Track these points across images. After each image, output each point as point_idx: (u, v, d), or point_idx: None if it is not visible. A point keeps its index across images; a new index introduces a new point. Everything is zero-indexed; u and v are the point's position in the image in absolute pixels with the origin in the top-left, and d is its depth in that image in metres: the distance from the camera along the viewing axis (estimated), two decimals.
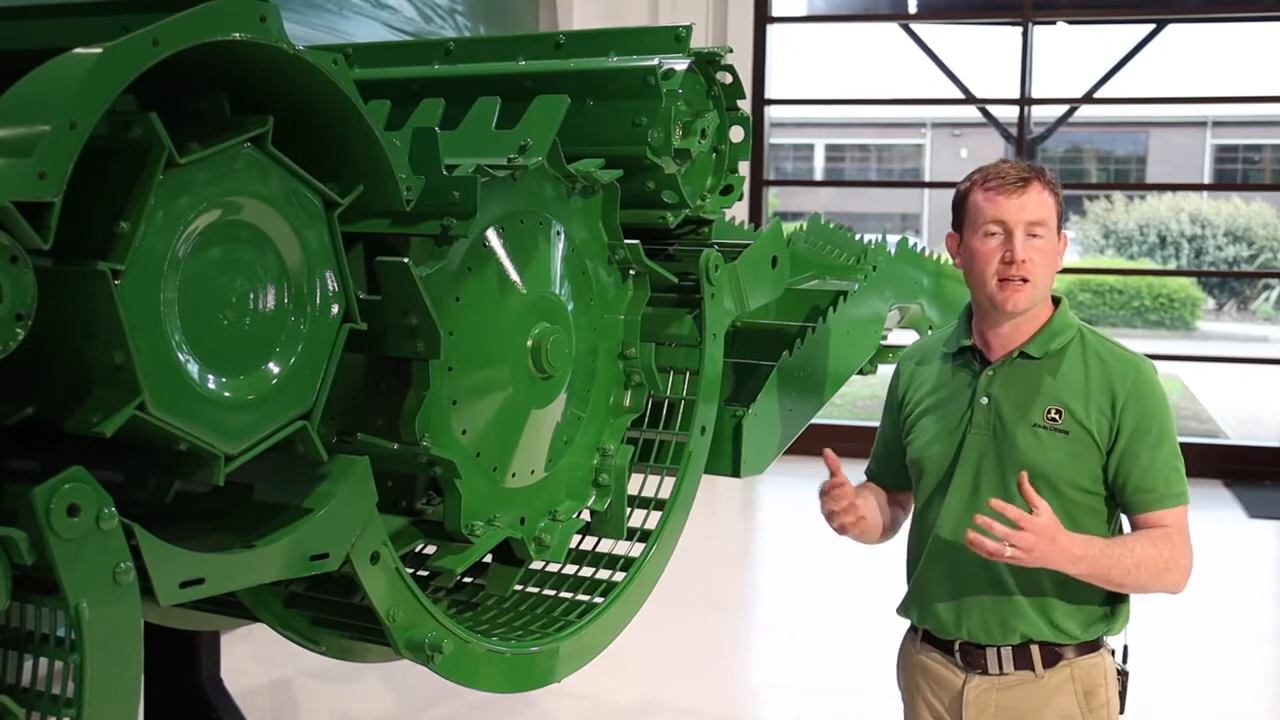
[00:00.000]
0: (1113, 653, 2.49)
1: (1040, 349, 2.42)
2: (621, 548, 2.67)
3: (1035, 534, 2.23)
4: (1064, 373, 2.41)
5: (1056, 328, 2.44)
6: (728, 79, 2.76)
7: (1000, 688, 2.43)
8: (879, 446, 2.72)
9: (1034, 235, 2.36)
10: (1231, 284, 23.37)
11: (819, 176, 28.87)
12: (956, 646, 2.47)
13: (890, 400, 2.67)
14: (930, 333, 3.47)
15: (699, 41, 2.67)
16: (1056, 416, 2.38)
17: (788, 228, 3.23)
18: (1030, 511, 2.25)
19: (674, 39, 2.69)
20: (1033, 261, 2.35)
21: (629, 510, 2.66)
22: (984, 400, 2.44)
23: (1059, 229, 2.41)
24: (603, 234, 2.55)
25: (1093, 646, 2.44)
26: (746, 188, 2.87)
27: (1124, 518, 2.47)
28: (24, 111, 1.50)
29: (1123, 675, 2.49)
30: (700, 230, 2.93)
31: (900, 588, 2.62)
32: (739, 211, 7.56)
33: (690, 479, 2.74)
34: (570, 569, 2.65)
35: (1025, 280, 2.36)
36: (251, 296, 1.79)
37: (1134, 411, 2.37)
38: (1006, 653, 2.42)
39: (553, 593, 2.61)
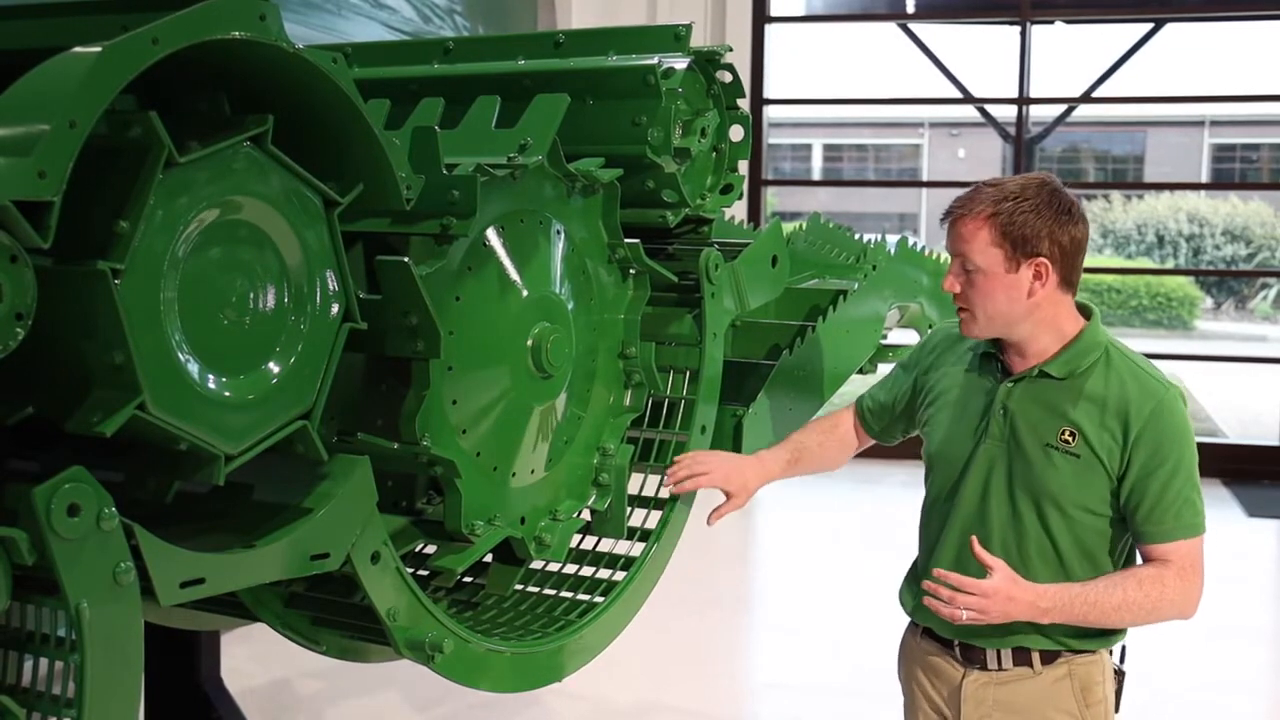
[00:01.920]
0: (1110, 652, 2.49)
1: (1063, 369, 2.37)
2: (622, 547, 2.67)
3: (985, 597, 2.25)
4: (1084, 395, 2.35)
5: (1082, 347, 2.37)
6: (727, 78, 2.76)
7: (999, 682, 2.43)
8: (881, 393, 2.71)
9: (966, 269, 2.33)
10: (1229, 283, 23.38)
11: (817, 176, 28.87)
12: (956, 642, 2.48)
13: (913, 362, 2.66)
14: (930, 330, 3.47)
15: (697, 41, 2.67)
16: (1070, 439, 2.34)
17: (787, 227, 3.23)
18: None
19: (673, 38, 2.69)
20: (963, 294, 2.34)
21: (629, 510, 2.66)
22: (1000, 412, 2.41)
23: (1018, 258, 2.29)
24: (603, 233, 2.55)
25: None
26: (745, 187, 2.86)
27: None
28: (23, 110, 1.50)
29: (1119, 675, 2.48)
30: (700, 229, 2.93)
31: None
32: (737, 211, 7.56)
33: None
34: (571, 568, 2.65)
35: (963, 309, 2.36)
36: (251, 296, 1.79)
37: (1148, 443, 2.31)
38: (1006, 650, 2.42)
39: (553, 592, 2.61)
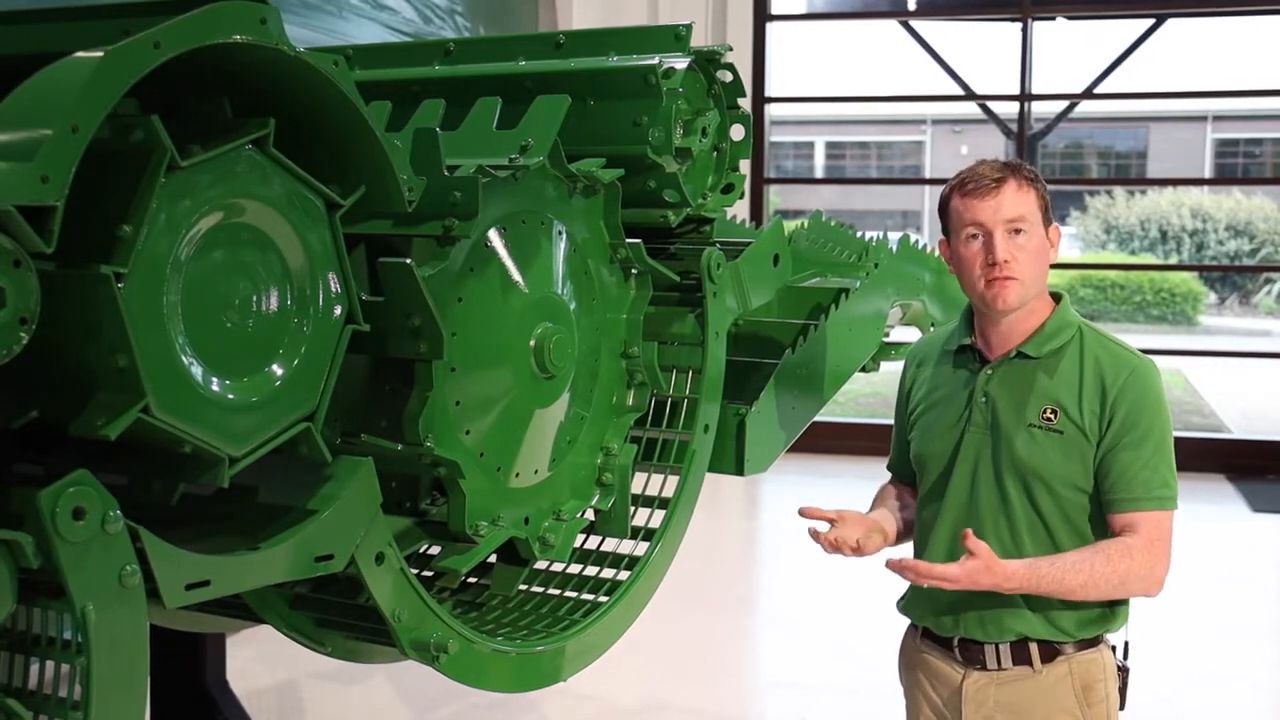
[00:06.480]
0: (1113, 649, 2.49)
1: (1038, 349, 2.41)
2: (626, 547, 2.67)
3: (951, 582, 2.28)
4: (1061, 372, 2.40)
5: (1055, 327, 2.43)
6: (728, 77, 2.76)
7: (999, 683, 2.44)
8: (895, 441, 2.73)
9: (1015, 232, 2.35)
10: (1233, 278, 23.35)
11: (819, 174, 28.85)
12: (955, 643, 2.48)
13: (899, 397, 2.69)
14: (932, 329, 3.47)
15: (699, 40, 2.68)
16: (1052, 416, 2.37)
17: (789, 226, 3.23)
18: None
19: (674, 38, 2.70)
20: (1016, 260, 2.35)
21: (633, 509, 2.66)
22: (982, 399, 2.44)
23: (1046, 222, 2.40)
24: (604, 233, 2.55)
25: (1092, 643, 2.43)
26: (747, 186, 2.87)
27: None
28: (26, 115, 1.50)
29: (1123, 671, 2.48)
30: (702, 229, 2.93)
31: (904, 586, 2.62)
32: (739, 210, 7.56)
33: (694, 478, 2.74)
34: (575, 568, 2.66)
35: (1011, 278, 2.35)
36: (254, 298, 1.79)
37: (1123, 409, 2.34)
38: (1005, 649, 2.42)
39: (557, 592, 2.61)
